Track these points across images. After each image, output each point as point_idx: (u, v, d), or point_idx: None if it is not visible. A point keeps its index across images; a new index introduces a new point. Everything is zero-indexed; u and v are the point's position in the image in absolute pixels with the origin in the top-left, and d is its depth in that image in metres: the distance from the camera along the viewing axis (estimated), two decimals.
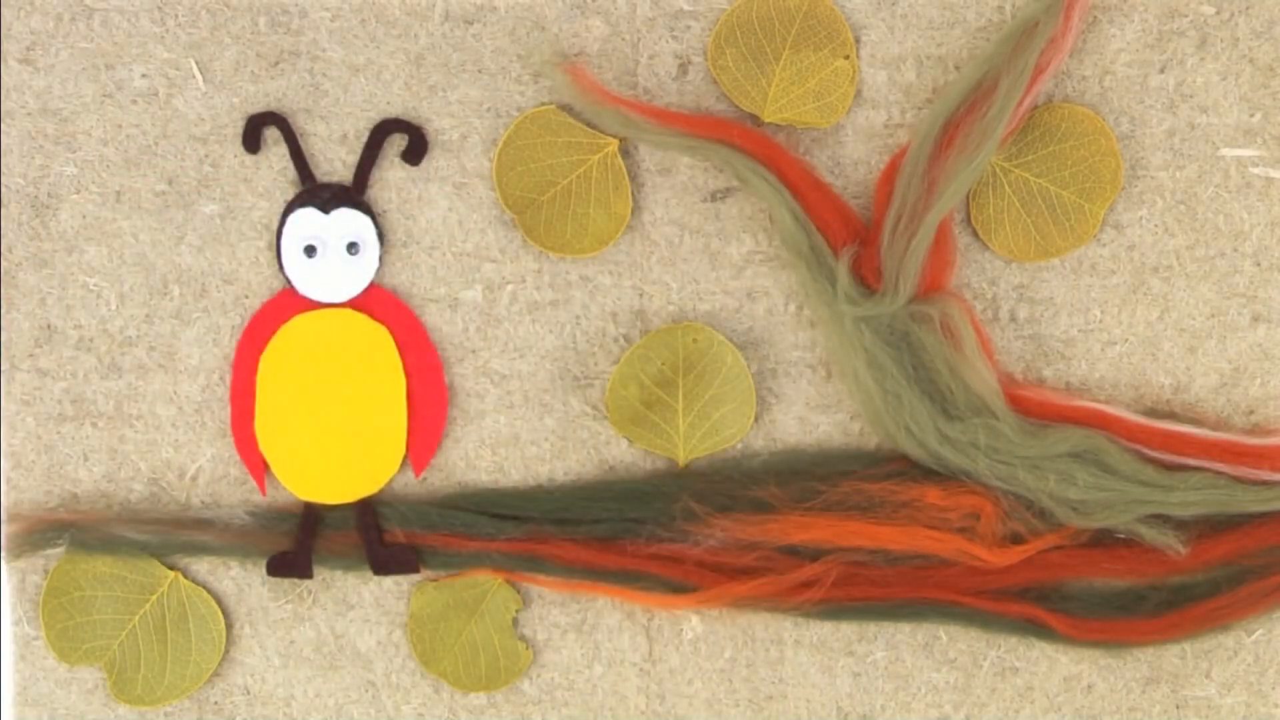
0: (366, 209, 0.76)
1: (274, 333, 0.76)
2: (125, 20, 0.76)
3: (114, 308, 0.77)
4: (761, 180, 0.74)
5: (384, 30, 0.75)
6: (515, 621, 0.78)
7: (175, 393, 0.77)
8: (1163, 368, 0.77)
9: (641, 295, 0.77)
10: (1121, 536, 0.76)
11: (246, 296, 0.77)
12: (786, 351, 0.77)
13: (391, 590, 0.78)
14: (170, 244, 0.77)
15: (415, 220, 0.77)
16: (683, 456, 0.77)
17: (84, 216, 0.77)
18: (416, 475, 0.78)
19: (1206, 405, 0.77)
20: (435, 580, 0.78)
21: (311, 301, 0.76)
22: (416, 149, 0.76)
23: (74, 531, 0.77)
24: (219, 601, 0.78)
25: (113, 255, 0.77)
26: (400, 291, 0.77)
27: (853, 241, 0.75)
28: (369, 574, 0.78)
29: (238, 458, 0.78)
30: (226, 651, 0.78)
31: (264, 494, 0.78)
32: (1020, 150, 0.75)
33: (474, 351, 0.77)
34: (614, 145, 0.76)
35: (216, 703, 0.79)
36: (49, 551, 0.78)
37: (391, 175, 0.76)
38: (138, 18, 0.76)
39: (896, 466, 0.76)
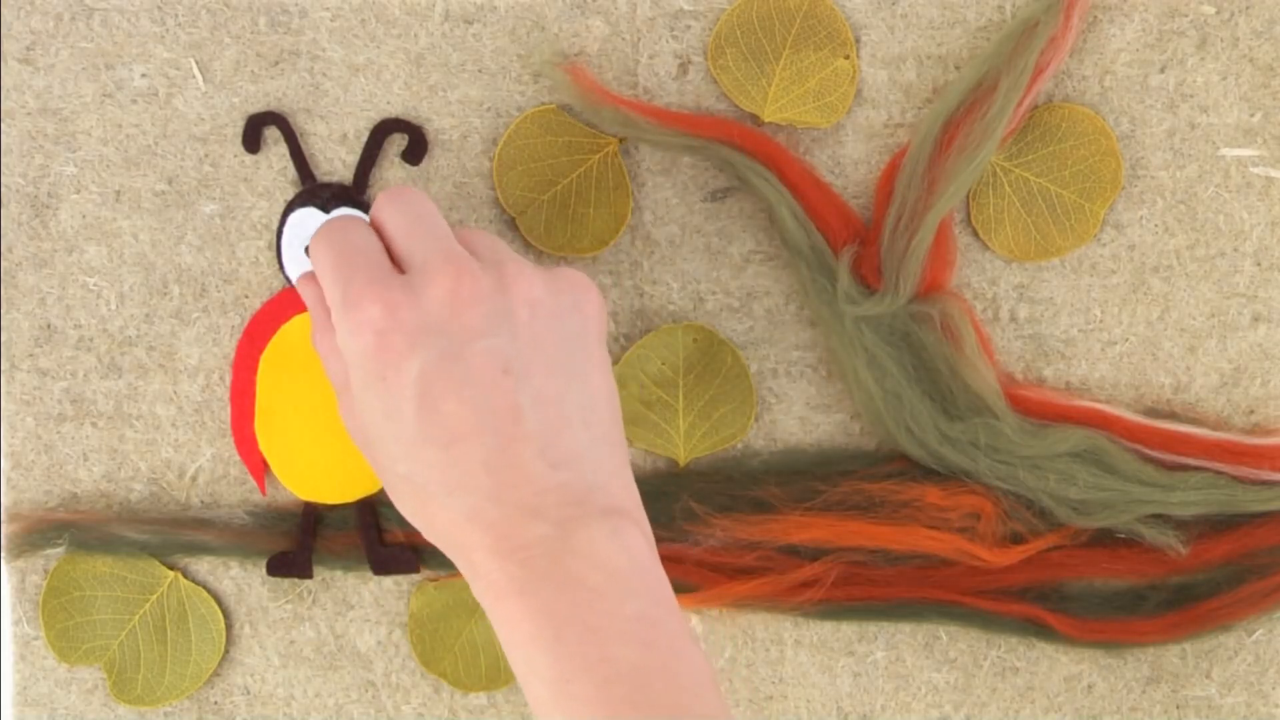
0: (367, 209, 0.76)
1: (274, 333, 0.76)
2: (125, 20, 0.76)
3: (114, 308, 0.77)
4: (761, 180, 0.74)
5: (384, 30, 0.75)
6: None
7: (175, 393, 0.77)
8: (1163, 368, 0.77)
9: (641, 295, 0.77)
10: (1122, 536, 0.76)
11: (246, 296, 0.77)
12: (786, 351, 0.77)
13: (391, 590, 0.78)
14: (170, 244, 0.77)
15: None
16: (683, 456, 0.77)
17: (84, 216, 0.77)
18: None
19: (1206, 405, 0.77)
20: (435, 580, 0.78)
21: None
22: (416, 149, 0.76)
23: (74, 531, 0.77)
24: (219, 601, 0.78)
25: (113, 255, 0.77)
26: None
27: (853, 241, 0.75)
28: (369, 574, 0.78)
29: (238, 458, 0.78)
30: (226, 651, 0.78)
31: (264, 494, 0.78)
32: (1020, 150, 0.75)
33: None
34: (614, 145, 0.76)
35: (216, 703, 0.79)
36: (49, 551, 0.78)
37: (391, 175, 0.76)
38: (138, 18, 0.76)
39: (896, 466, 0.76)
